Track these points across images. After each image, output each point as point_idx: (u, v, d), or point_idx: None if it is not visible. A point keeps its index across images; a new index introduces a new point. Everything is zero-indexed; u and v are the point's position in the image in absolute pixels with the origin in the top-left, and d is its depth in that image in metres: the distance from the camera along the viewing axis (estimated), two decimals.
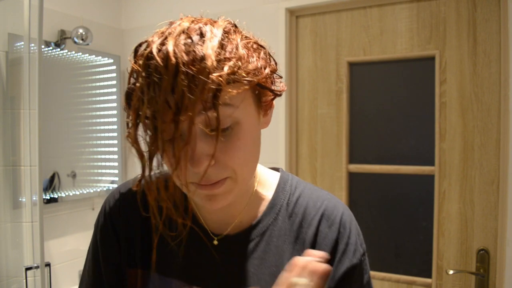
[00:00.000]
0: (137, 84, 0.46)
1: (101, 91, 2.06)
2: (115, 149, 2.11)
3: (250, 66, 0.48)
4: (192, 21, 0.49)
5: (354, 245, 0.59)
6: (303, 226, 0.59)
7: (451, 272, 1.46)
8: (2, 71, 1.59)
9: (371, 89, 1.69)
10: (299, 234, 0.59)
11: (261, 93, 0.53)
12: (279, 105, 1.78)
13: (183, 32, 0.46)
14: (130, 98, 0.48)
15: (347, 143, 1.71)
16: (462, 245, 1.51)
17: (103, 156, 2.08)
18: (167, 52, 0.44)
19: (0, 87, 1.58)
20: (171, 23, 0.51)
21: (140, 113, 0.46)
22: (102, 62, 2.07)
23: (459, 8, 1.49)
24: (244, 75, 0.47)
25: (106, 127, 2.08)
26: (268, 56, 0.55)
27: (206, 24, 0.49)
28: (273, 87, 0.54)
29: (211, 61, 0.44)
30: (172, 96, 0.43)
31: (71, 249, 1.93)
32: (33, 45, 1.45)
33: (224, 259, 0.58)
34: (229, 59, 0.46)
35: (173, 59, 0.43)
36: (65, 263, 1.90)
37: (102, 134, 2.07)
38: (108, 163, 2.09)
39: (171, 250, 0.59)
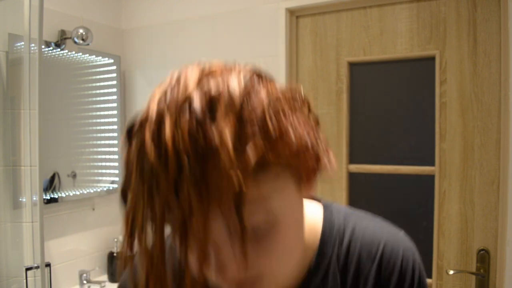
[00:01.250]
0: (132, 183, 0.35)
1: (101, 91, 2.06)
2: (115, 149, 2.11)
3: (281, 144, 0.34)
4: (200, 80, 0.36)
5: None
6: (359, 281, 0.50)
7: (451, 272, 1.46)
8: (2, 71, 1.59)
9: (371, 89, 1.69)
10: (359, 276, 0.50)
11: (303, 173, 0.40)
12: None
13: (186, 101, 0.34)
14: (125, 199, 0.37)
15: (347, 143, 1.71)
16: (462, 245, 1.50)
17: (103, 156, 2.08)
18: (165, 143, 0.32)
19: (0, 87, 1.58)
20: (174, 76, 0.39)
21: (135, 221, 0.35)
22: (102, 62, 2.07)
23: (459, 8, 1.49)
24: (276, 157, 0.34)
25: (106, 127, 2.08)
26: (309, 113, 0.41)
27: (218, 81, 0.36)
28: (320, 162, 0.40)
29: (227, 151, 0.31)
30: (176, 201, 0.32)
31: (71, 249, 1.93)
32: (33, 45, 1.45)
33: None
34: (253, 136, 0.33)
35: (173, 155, 0.32)
36: (65, 263, 1.90)
37: (102, 134, 2.07)
38: (108, 163, 2.09)
39: None
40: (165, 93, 0.37)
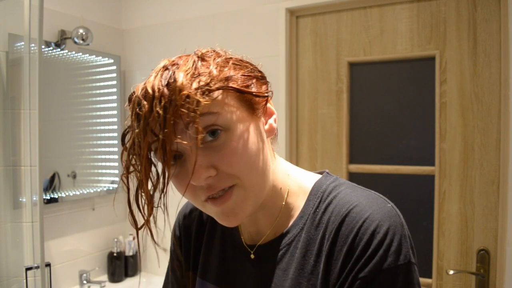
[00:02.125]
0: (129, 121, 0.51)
1: (101, 91, 2.06)
2: (115, 149, 2.11)
3: (222, 76, 0.50)
4: (180, 57, 0.54)
5: (369, 257, 0.48)
6: (325, 237, 0.53)
7: (451, 272, 1.46)
8: (2, 71, 1.59)
9: (371, 89, 1.69)
10: (322, 246, 0.53)
11: (247, 98, 0.53)
12: (279, 105, 1.77)
13: (163, 66, 0.52)
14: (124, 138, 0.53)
15: (347, 143, 1.71)
16: (462, 245, 1.51)
17: (103, 156, 2.08)
18: (146, 85, 0.49)
19: (0, 87, 1.58)
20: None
21: (134, 145, 0.49)
22: (102, 62, 2.07)
23: (459, 8, 1.49)
24: (215, 84, 0.49)
25: (106, 127, 2.08)
26: (250, 67, 0.57)
27: (188, 56, 0.53)
28: (253, 90, 0.54)
29: (181, 81, 0.47)
30: (155, 121, 0.47)
31: (71, 249, 1.93)
32: (33, 45, 1.45)
33: (256, 268, 0.60)
34: (200, 75, 0.49)
35: (150, 90, 0.48)
36: (65, 263, 1.90)
37: (102, 134, 2.07)
38: (108, 163, 2.09)
39: (213, 259, 0.65)
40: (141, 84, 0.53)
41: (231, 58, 0.55)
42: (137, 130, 0.48)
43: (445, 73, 1.52)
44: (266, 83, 0.58)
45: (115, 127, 2.11)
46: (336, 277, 0.51)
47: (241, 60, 0.57)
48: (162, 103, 0.46)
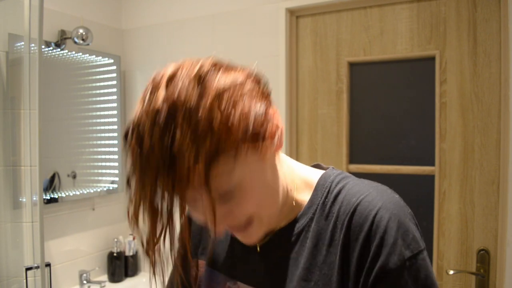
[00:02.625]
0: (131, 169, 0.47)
1: (101, 91, 2.06)
2: (115, 149, 2.11)
3: (232, 137, 0.45)
4: (167, 86, 0.46)
5: (390, 247, 0.49)
6: (337, 226, 0.54)
7: (451, 272, 1.46)
8: (2, 71, 1.59)
9: (371, 89, 1.69)
10: (334, 235, 0.54)
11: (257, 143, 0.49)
12: (279, 105, 1.78)
13: (156, 113, 0.45)
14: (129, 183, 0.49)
15: (347, 143, 1.71)
16: (462, 245, 1.50)
17: (103, 156, 2.08)
18: (145, 148, 0.44)
19: (0, 87, 1.58)
20: (154, 80, 0.49)
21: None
22: (102, 62, 2.07)
23: (459, 8, 1.49)
24: (225, 146, 0.44)
25: (106, 127, 2.08)
26: (258, 87, 0.50)
27: (180, 89, 0.45)
28: (267, 129, 0.49)
29: (184, 155, 0.42)
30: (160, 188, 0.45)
31: (71, 249, 1.93)
32: (33, 45, 1.45)
33: (264, 259, 0.60)
34: (204, 137, 0.43)
35: (152, 157, 0.43)
36: (65, 263, 1.90)
37: (102, 134, 2.07)
38: (108, 163, 2.09)
39: (223, 248, 0.65)
40: (143, 101, 0.48)
41: (240, 85, 0.48)
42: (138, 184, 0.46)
43: (445, 73, 1.52)
44: (268, 97, 0.52)
45: (115, 127, 2.11)
46: (355, 267, 0.51)
47: (241, 84, 0.49)
48: (166, 176, 0.43)
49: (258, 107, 0.48)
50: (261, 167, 0.51)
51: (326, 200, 0.57)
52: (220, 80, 0.47)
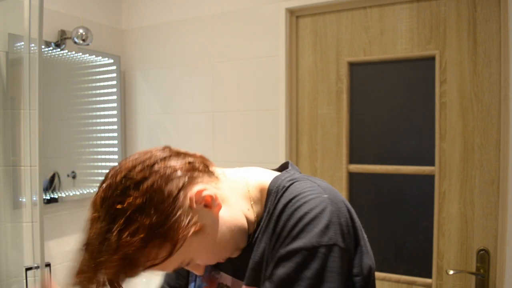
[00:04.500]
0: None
1: (101, 91, 2.06)
2: (115, 149, 2.11)
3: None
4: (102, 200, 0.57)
5: (296, 235, 0.57)
6: (271, 220, 0.63)
7: (451, 272, 1.46)
8: (2, 71, 1.59)
9: (371, 89, 1.69)
10: (274, 230, 0.62)
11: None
12: (279, 105, 1.78)
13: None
14: None
15: (347, 143, 1.71)
16: (462, 245, 1.51)
17: (103, 156, 2.08)
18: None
19: (0, 87, 1.58)
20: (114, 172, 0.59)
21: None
22: (102, 62, 2.07)
23: (459, 8, 1.49)
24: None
25: (106, 127, 2.08)
26: (157, 215, 0.57)
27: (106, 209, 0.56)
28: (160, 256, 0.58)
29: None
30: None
31: (71, 249, 1.93)
32: (33, 45, 1.45)
33: (239, 258, 0.69)
34: (106, 265, 0.55)
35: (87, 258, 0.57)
36: (65, 263, 1.90)
37: (102, 134, 2.07)
38: (108, 163, 2.09)
39: None
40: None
41: (129, 208, 0.56)
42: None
43: (445, 73, 1.52)
44: (189, 185, 0.61)
45: (115, 127, 2.11)
46: (270, 251, 0.61)
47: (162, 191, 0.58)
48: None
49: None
50: (199, 239, 0.61)
51: (275, 201, 0.64)
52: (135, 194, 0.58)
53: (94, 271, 0.55)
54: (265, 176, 0.70)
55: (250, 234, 0.68)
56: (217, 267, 0.73)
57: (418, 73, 1.59)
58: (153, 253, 0.55)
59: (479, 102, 1.47)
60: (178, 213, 0.56)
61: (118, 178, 0.56)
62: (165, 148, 0.63)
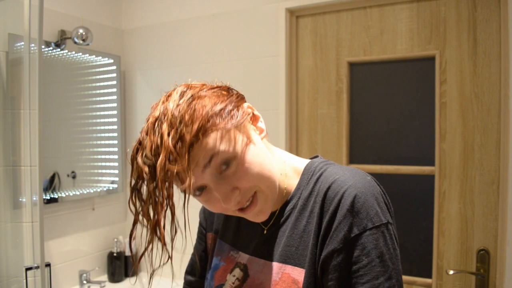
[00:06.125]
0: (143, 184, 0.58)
1: (101, 91, 2.06)
2: (115, 149, 2.11)
3: (211, 121, 0.57)
4: (163, 103, 0.61)
5: (354, 218, 0.58)
6: (316, 201, 0.64)
7: (451, 272, 1.46)
8: (2, 71, 1.59)
9: (371, 89, 1.69)
10: (314, 208, 0.64)
11: (236, 125, 0.61)
12: (279, 105, 1.78)
13: (157, 116, 0.59)
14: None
15: (347, 143, 1.71)
16: (462, 245, 1.51)
17: (103, 156, 2.08)
18: (149, 142, 0.56)
19: (0, 87, 1.58)
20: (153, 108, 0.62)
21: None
22: (102, 62, 2.07)
23: (459, 8, 1.49)
24: (206, 131, 0.57)
25: (106, 127, 2.08)
26: (226, 94, 0.64)
27: (166, 106, 0.59)
28: (237, 117, 0.61)
29: (167, 151, 0.54)
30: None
31: (71, 249, 1.93)
32: (33, 45, 1.45)
33: (261, 234, 0.72)
34: (185, 129, 0.56)
35: (153, 150, 0.56)
36: (65, 263, 1.90)
37: (102, 134, 2.07)
38: (108, 163, 2.09)
39: (231, 225, 0.79)
40: (146, 124, 0.60)
41: (209, 89, 0.63)
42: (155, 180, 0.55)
43: (445, 73, 1.52)
44: (243, 98, 0.67)
45: (115, 127, 2.11)
46: (324, 233, 0.61)
47: (217, 88, 0.65)
48: (171, 158, 0.54)
49: (218, 103, 0.61)
50: (252, 146, 0.62)
51: (310, 181, 0.67)
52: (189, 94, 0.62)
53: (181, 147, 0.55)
54: (298, 159, 0.74)
55: (275, 210, 0.70)
56: (236, 247, 0.76)
57: (418, 73, 1.59)
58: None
59: (479, 102, 1.47)
60: (232, 104, 0.62)
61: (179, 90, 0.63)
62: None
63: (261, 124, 0.68)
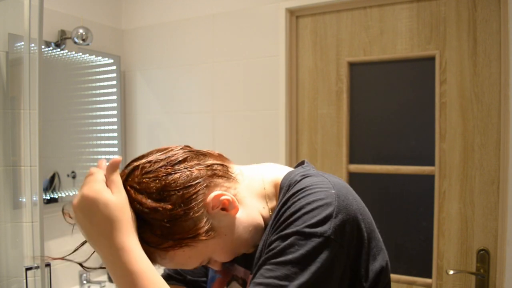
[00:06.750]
0: None
1: (101, 91, 2.06)
2: (115, 149, 2.11)
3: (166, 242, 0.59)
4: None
5: (292, 222, 0.57)
6: (278, 210, 0.64)
7: (451, 272, 1.46)
8: (2, 71, 1.59)
9: (371, 89, 1.69)
10: (275, 218, 0.63)
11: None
12: (279, 105, 1.78)
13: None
14: None
15: (347, 143, 1.71)
16: (462, 245, 1.51)
17: (103, 156, 2.08)
18: None
19: (0, 87, 1.58)
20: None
21: None
22: (102, 62, 2.07)
23: (459, 8, 1.49)
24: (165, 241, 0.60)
25: (106, 127, 2.08)
26: (178, 191, 0.59)
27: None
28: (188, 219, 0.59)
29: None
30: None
31: (71, 249, 1.93)
32: (33, 45, 1.44)
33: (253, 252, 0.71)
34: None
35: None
36: (65, 263, 1.90)
37: (102, 134, 2.07)
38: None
39: None
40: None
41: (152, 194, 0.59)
42: None
43: (445, 73, 1.52)
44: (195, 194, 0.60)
45: (115, 127, 2.11)
46: (266, 241, 0.62)
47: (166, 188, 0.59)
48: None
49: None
50: (224, 238, 0.63)
51: (285, 194, 0.64)
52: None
53: None
54: (280, 172, 0.71)
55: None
56: (231, 260, 0.75)
57: (418, 73, 1.59)
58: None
59: (479, 102, 1.47)
60: (196, 215, 0.59)
61: (137, 173, 0.60)
62: (184, 147, 0.64)
63: (218, 200, 0.61)
